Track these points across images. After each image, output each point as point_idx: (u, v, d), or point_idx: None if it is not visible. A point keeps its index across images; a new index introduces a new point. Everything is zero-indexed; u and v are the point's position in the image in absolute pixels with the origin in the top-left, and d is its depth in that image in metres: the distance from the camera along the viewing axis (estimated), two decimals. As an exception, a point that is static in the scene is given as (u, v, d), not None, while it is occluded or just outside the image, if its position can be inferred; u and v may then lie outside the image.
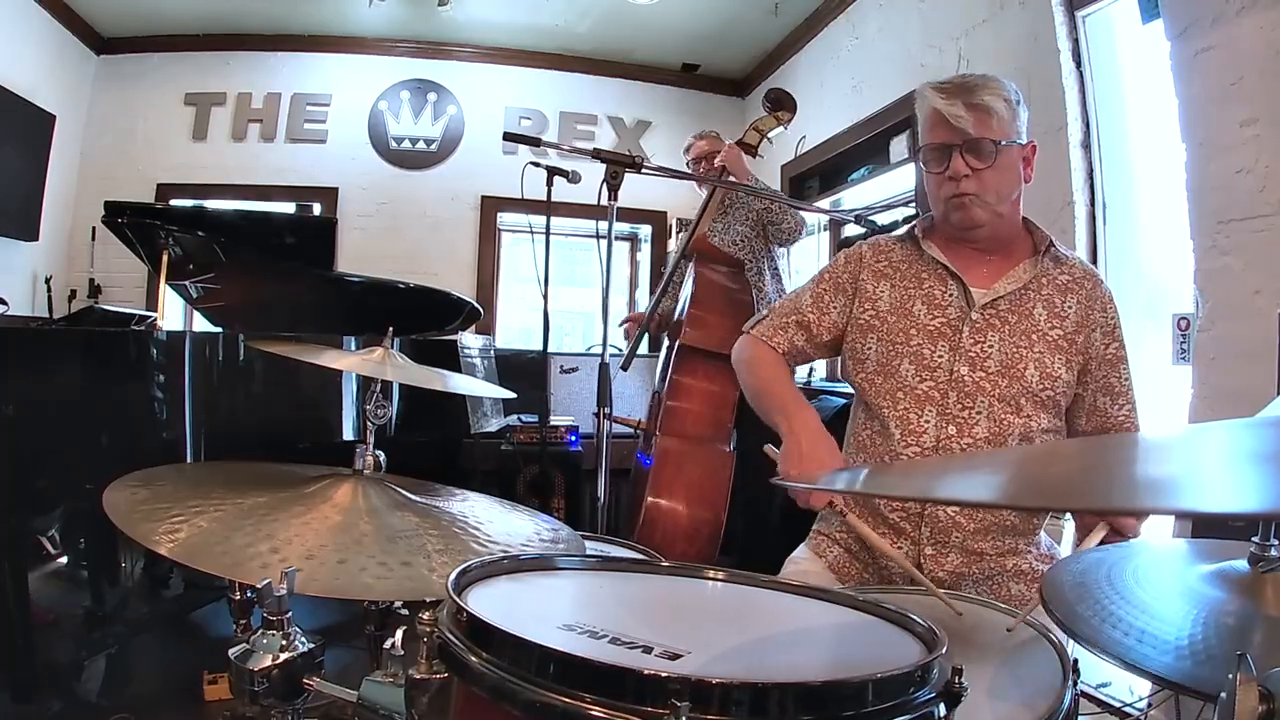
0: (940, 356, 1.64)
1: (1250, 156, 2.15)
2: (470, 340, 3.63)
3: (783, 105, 3.08)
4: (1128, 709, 1.20)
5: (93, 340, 2.50)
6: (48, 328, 3.60)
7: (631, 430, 3.07)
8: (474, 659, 0.75)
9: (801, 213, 3.47)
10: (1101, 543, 1.41)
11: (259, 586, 0.98)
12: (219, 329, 3.35)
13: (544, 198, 2.71)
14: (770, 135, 3.11)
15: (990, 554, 1.61)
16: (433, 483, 1.43)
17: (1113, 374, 1.65)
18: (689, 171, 3.57)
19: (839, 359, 1.85)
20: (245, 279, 3.08)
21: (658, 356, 3.41)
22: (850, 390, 1.84)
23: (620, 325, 4.29)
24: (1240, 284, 2.17)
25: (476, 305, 3.31)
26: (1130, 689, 1.18)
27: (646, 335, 3.55)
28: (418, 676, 0.85)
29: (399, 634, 0.94)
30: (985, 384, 1.61)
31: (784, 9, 4.87)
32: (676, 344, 2.82)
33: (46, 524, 2.77)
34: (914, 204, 3.76)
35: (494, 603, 0.88)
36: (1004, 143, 1.58)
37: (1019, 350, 1.62)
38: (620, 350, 4.13)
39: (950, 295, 1.67)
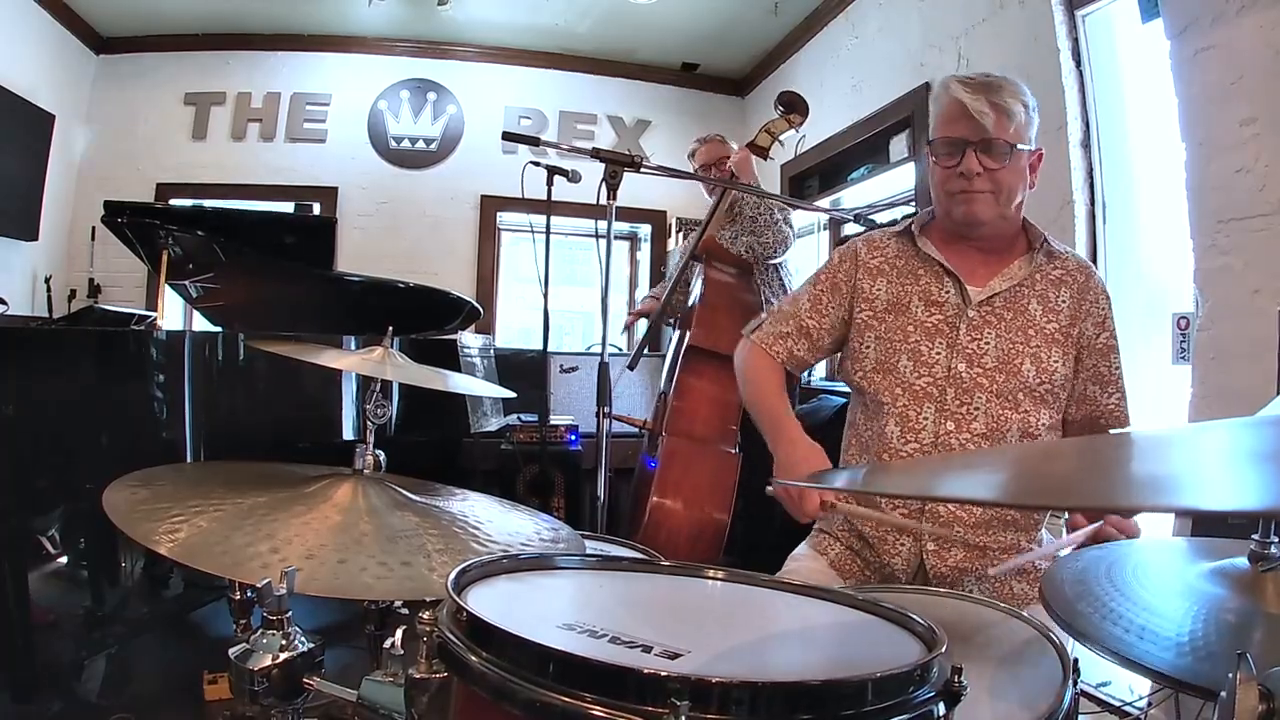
0: (938, 353, 1.65)
1: (1250, 156, 2.15)
2: (470, 340, 3.63)
3: (795, 108, 3.08)
4: (1128, 708, 1.20)
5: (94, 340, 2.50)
6: (47, 327, 3.60)
7: (636, 430, 3.07)
8: (474, 658, 0.75)
9: (801, 211, 3.46)
10: (1090, 541, 1.41)
11: (259, 586, 0.98)
12: (219, 329, 3.35)
13: (544, 197, 2.71)
14: (781, 138, 3.11)
15: (993, 550, 1.61)
16: (433, 483, 1.43)
17: (1103, 363, 1.66)
18: (688, 171, 3.57)
19: (837, 357, 1.86)
20: (245, 279, 3.08)
21: (663, 356, 3.40)
22: (848, 389, 1.84)
23: (628, 317, 4.28)
24: (1240, 284, 2.17)
25: (476, 305, 3.31)
26: (1130, 688, 1.18)
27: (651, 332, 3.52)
28: (417, 676, 0.85)
29: (399, 633, 0.94)
30: (983, 380, 1.62)
31: (784, 8, 4.87)
32: (684, 346, 2.82)
33: (46, 524, 2.77)
34: (914, 203, 3.76)
35: (494, 602, 0.88)
36: (1018, 147, 1.59)
37: (1015, 346, 1.63)
38: (620, 350, 4.12)
39: (946, 293, 1.68)
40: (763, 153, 3.09)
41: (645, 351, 3.41)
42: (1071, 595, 0.94)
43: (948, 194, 1.65)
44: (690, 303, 3.08)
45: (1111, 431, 1.67)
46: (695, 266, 3.14)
